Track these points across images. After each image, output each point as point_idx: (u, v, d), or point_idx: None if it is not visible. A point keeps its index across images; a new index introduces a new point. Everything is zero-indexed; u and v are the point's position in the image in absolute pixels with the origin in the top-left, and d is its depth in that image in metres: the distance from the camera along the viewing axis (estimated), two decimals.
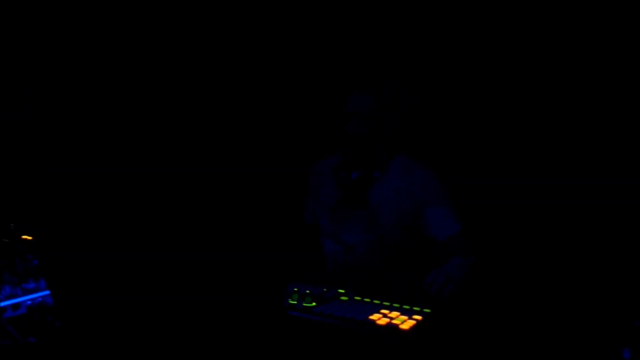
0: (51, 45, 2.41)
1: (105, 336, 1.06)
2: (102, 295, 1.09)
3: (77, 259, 1.12)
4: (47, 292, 1.26)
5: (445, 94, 2.26)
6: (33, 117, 2.38)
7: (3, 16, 2.28)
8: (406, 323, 1.23)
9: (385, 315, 1.28)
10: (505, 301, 1.39)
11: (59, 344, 1.14)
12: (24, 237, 1.49)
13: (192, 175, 2.51)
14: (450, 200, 1.75)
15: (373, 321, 1.24)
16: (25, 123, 2.36)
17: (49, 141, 2.37)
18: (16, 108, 2.37)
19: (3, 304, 1.23)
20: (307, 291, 1.46)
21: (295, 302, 1.37)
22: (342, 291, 1.51)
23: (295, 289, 1.49)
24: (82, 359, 1.07)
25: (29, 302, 1.27)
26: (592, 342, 1.07)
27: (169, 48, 2.60)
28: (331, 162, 1.90)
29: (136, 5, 2.54)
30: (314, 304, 1.37)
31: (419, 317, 1.28)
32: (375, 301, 1.43)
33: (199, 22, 2.60)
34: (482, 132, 2.20)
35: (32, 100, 2.38)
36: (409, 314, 1.31)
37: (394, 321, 1.24)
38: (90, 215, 1.29)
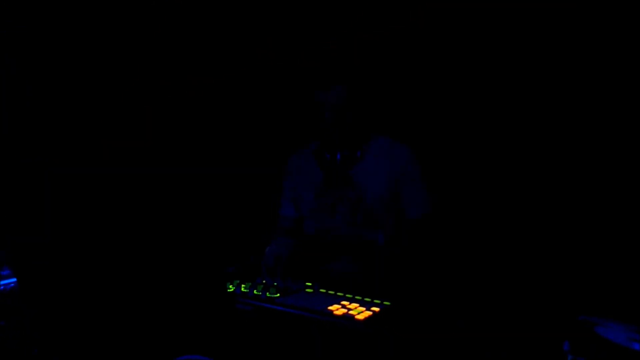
0: (52, 45, 2.45)
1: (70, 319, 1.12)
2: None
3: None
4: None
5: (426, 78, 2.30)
6: (33, 117, 2.42)
7: (3, 16, 2.31)
8: (362, 314, 1.28)
9: (344, 307, 1.33)
10: (455, 294, 1.43)
11: (27, 327, 1.19)
12: None
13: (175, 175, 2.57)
14: (426, 181, 1.81)
15: (331, 311, 1.29)
16: (25, 123, 2.40)
17: (49, 141, 2.41)
18: (16, 108, 2.41)
19: None
20: (274, 283, 1.53)
21: (259, 293, 1.42)
22: (309, 284, 1.56)
23: (264, 281, 1.55)
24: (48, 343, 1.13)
25: (1, 288, 1.33)
26: (537, 335, 1.11)
27: (168, 47, 2.64)
28: (312, 147, 1.96)
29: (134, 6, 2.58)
30: (277, 295, 1.42)
31: (376, 309, 1.32)
32: (338, 293, 1.47)
33: (198, 22, 2.65)
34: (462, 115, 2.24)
35: (33, 100, 2.41)
36: (368, 305, 1.35)
37: (350, 312, 1.29)
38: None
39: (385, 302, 1.39)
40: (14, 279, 1.27)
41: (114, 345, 1.12)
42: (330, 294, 1.48)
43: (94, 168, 2.44)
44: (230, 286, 1.47)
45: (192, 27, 2.64)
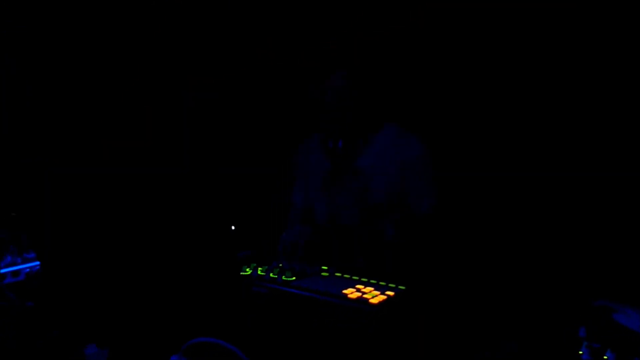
0: (52, 45, 2.47)
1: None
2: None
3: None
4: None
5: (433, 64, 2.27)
6: (33, 117, 2.45)
7: (3, 16, 2.33)
8: (376, 298, 1.28)
9: (358, 290, 1.33)
10: (472, 283, 1.42)
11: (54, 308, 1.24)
12: None
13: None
14: (432, 171, 1.79)
15: (345, 295, 1.30)
16: (25, 123, 2.43)
17: (49, 141, 2.43)
18: (16, 108, 2.43)
19: (3, 270, 1.34)
20: (291, 267, 1.54)
21: (275, 276, 1.44)
22: (325, 267, 1.57)
23: (280, 265, 1.57)
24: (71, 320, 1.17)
25: (27, 270, 1.37)
26: (552, 321, 1.10)
27: (168, 47, 2.65)
28: (317, 137, 1.95)
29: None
30: (293, 278, 1.43)
31: (390, 293, 1.32)
32: (354, 277, 1.48)
33: (198, 22, 2.65)
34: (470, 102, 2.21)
35: (33, 100, 2.43)
36: (383, 289, 1.36)
37: (365, 295, 1.29)
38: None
39: (401, 287, 1.39)
40: (38, 262, 1.32)
41: (134, 327, 1.15)
42: (345, 277, 1.49)
43: (94, 168, 2.46)
44: (248, 269, 1.49)
45: (192, 27, 2.63)
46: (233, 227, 1.72)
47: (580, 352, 0.95)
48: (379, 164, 1.83)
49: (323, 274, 1.52)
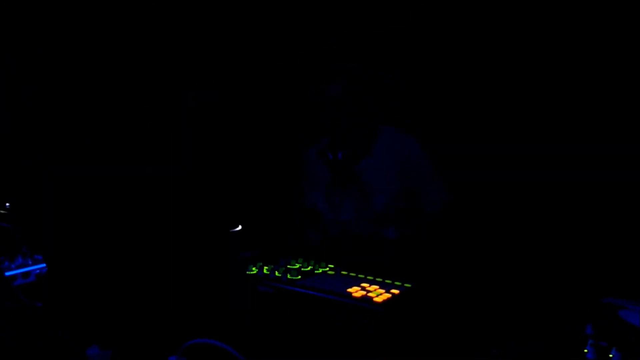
0: (51, 45, 2.50)
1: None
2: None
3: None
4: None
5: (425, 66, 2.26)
6: (33, 117, 2.47)
7: (3, 16, 2.36)
8: (381, 296, 1.27)
9: (363, 289, 1.33)
10: (478, 280, 1.41)
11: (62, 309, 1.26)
12: None
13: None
14: (439, 171, 1.78)
15: (350, 293, 1.29)
16: (25, 123, 2.46)
17: (49, 141, 2.46)
18: (16, 108, 2.46)
19: (14, 272, 1.36)
20: (296, 265, 1.55)
21: (280, 275, 1.44)
22: (331, 266, 1.57)
23: (289, 265, 1.58)
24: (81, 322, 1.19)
25: (37, 271, 1.40)
26: (559, 318, 1.09)
27: (168, 47, 2.67)
28: (320, 145, 1.95)
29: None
30: (299, 277, 1.43)
31: (396, 291, 1.32)
32: (360, 275, 1.48)
33: (198, 22, 2.66)
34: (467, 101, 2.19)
35: (33, 100, 2.46)
36: (389, 288, 1.35)
37: (369, 294, 1.29)
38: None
39: (407, 284, 1.38)
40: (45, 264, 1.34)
41: (136, 328, 1.16)
42: (351, 276, 1.48)
43: (94, 168, 2.48)
44: (254, 269, 1.50)
45: (192, 27, 2.64)
46: (239, 227, 1.73)
47: (585, 351, 0.93)
48: (380, 168, 1.82)
49: (329, 272, 1.52)
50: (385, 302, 1.25)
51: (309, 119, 1.95)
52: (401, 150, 1.81)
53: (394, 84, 2.26)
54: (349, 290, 1.31)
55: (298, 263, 1.58)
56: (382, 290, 1.32)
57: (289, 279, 1.42)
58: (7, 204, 1.60)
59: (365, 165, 1.83)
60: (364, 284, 1.37)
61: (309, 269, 1.55)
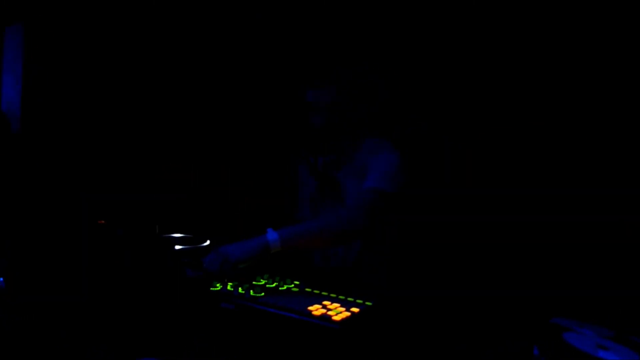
0: (51, 45, 2.51)
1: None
2: None
3: None
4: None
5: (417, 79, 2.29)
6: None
7: (3, 15, 2.38)
8: (340, 315, 1.29)
9: (324, 307, 1.35)
10: (432, 299, 1.43)
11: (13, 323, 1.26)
12: None
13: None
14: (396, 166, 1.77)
15: (310, 312, 1.31)
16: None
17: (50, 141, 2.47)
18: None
19: None
20: (262, 281, 1.56)
21: (243, 292, 1.45)
22: (297, 282, 1.58)
23: (259, 280, 1.59)
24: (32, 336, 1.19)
25: None
26: (509, 338, 1.11)
27: (168, 47, 2.68)
28: (304, 152, 1.97)
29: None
30: (262, 294, 1.44)
31: (356, 310, 1.34)
32: (323, 292, 1.50)
33: (198, 22, 2.68)
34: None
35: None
36: (349, 305, 1.37)
37: (329, 312, 1.30)
38: None
39: (367, 303, 1.40)
40: None
41: (98, 345, 1.17)
42: (315, 293, 1.50)
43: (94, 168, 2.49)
44: (218, 285, 1.51)
45: (192, 28, 2.67)
46: (208, 242, 1.74)
47: None
48: (358, 177, 1.83)
49: (294, 289, 1.54)
50: (343, 320, 1.27)
51: (304, 128, 1.96)
52: (379, 160, 1.82)
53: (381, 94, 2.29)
54: (310, 308, 1.33)
55: (263, 279, 1.60)
56: (343, 309, 1.34)
57: (251, 295, 1.43)
58: None
59: (344, 173, 1.84)
60: (325, 302, 1.39)
61: (274, 285, 1.56)
